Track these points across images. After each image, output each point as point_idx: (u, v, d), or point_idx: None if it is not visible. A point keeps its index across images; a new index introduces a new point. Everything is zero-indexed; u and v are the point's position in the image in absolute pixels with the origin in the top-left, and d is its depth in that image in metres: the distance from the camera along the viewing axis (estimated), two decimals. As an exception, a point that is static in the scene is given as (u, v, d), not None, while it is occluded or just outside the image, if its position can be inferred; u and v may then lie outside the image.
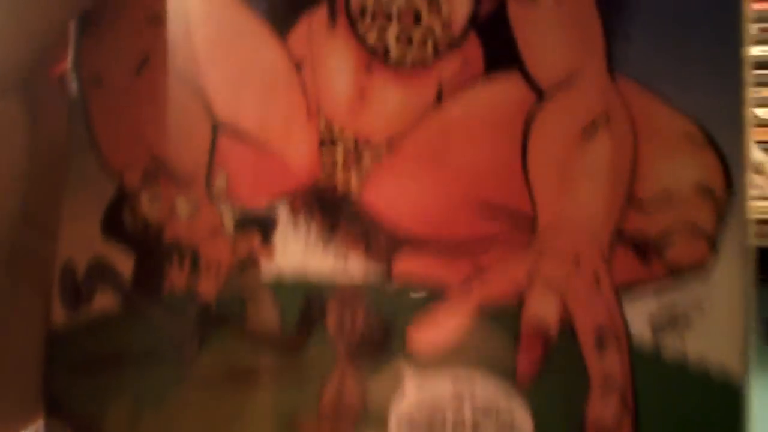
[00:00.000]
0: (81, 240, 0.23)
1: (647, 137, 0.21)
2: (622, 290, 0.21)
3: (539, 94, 0.21)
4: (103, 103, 0.23)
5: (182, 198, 0.22)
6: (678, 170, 0.20)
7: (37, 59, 0.23)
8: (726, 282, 0.20)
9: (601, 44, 0.21)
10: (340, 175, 0.22)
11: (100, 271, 0.23)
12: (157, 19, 0.23)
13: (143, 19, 0.23)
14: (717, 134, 0.20)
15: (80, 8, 0.23)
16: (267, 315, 0.21)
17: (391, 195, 0.21)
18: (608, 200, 0.20)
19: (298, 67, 0.22)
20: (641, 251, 0.20)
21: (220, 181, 0.22)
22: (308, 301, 0.21)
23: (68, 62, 0.24)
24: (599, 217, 0.21)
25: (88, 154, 0.23)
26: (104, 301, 0.23)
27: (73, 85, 0.24)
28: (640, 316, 0.20)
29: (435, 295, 0.21)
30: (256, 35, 0.22)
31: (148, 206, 0.22)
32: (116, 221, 0.23)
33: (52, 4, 0.22)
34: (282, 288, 0.22)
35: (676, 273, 0.20)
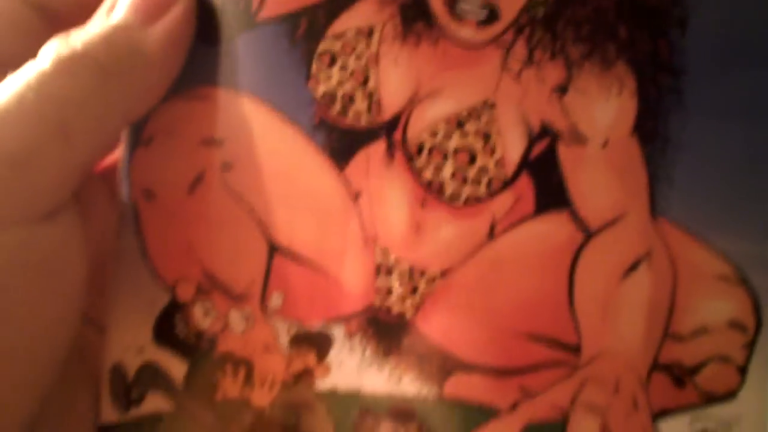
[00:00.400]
0: (131, 344, 0.24)
1: (686, 276, 0.22)
2: (658, 414, 0.22)
3: (587, 233, 0.22)
4: (155, 217, 0.24)
5: (236, 312, 0.23)
6: (714, 307, 0.22)
7: (88, 171, 0.23)
8: (753, 404, 0.22)
9: (646, 187, 0.23)
10: (395, 302, 0.22)
11: (152, 375, 0.24)
12: (212, 141, 0.23)
13: (198, 140, 0.24)
14: (749, 273, 0.22)
15: (129, 121, 0.24)
16: (321, 425, 0.22)
17: (444, 323, 0.22)
18: (648, 333, 0.22)
19: (355, 197, 0.23)
20: (677, 378, 0.22)
21: (275, 300, 0.23)
22: (362, 415, 0.22)
23: (119, 171, 0.24)
24: (639, 347, 0.22)
25: (139, 264, 0.24)
26: (155, 402, 0.24)
27: (124, 193, 0.24)
28: None
29: (485, 414, 0.22)
30: (314, 165, 0.23)
31: (201, 319, 0.23)
32: (168, 329, 0.24)
33: (103, 121, 0.22)
34: (336, 401, 0.23)
35: (709, 398, 0.22)
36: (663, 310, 0.22)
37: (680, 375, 0.22)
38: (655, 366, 0.22)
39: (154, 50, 0.23)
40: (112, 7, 0.24)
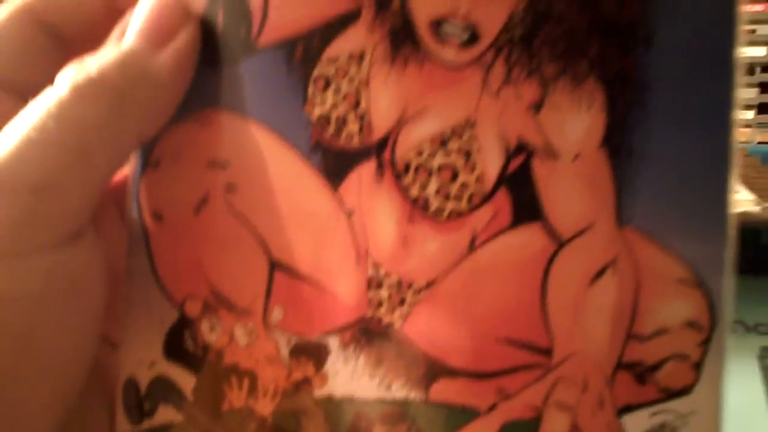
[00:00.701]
0: (144, 359, 0.26)
1: (648, 280, 0.24)
2: (622, 409, 0.25)
3: (558, 242, 0.24)
4: (164, 237, 0.26)
5: (240, 327, 0.25)
6: (672, 309, 0.24)
7: (104, 192, 0.25)
8: (707, 397, 0.24)
9: (612, 197, 0.24)
10: (385, 313, 0.25)
11: (163, 389, 0.26)
12: (216, 163, 0.25)
13: (203, 163, 0.25)
14: (705, 275, 0.24)
15: (141, 142, 0.25)
16: (319, 431, 0.25)
17: (430, 331, 0.25)
18: (613, 334, 0.24)
19: (348, 215, 0.25)
20: (639, 376, 0.24)
21: (276, 314, 0.25)
22: (356, 419, 0.24)
23: (128, 193, 0.26)
24: (605, 348, 0.25)
25: (149, 282, 0.26)
26: (166, 414, 0.26)
27: (134, 215, 0.26)
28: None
29: (467, 415, 0.25)
30: (310, 185, 0.25)
31: (208, 334, 0.25)
32: (178, 345, 0.26)
33: (119, 143, 0.24)
34: (333, 407, 0.25)
35: (667, 394, 0.24)
36: (627, 313, 0.24)
37: (642, 373, 0.24)
38: (620, 365, 0.24)
39: (163, 74, 0.25)
40: (122, 34, 0.26)
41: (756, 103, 2.06)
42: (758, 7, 2.01)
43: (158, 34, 0.25)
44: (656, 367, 0.24)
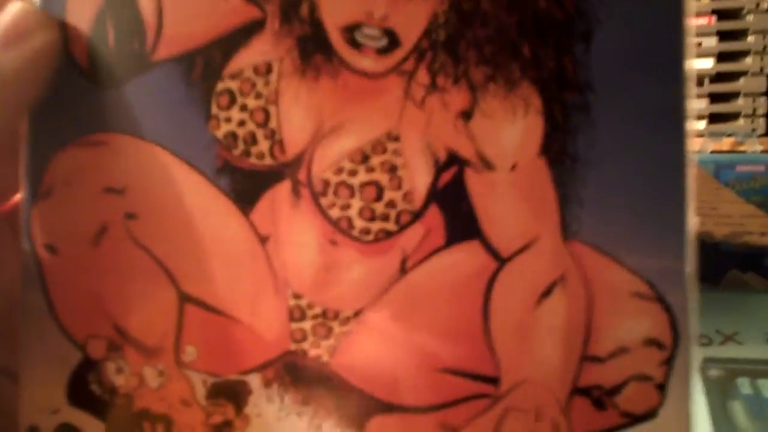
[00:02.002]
0: (45, 405, 0.23)
1: (602, 297, 0.21)
2: (581, 438, 0.21)
3: (499, 260, 0.21)
4: (60, 272, 0.23)
5: (150, 367, 0.22)
6: (630, 326, 0.21)
7: None
8: (674, 420, 0.21)
9: (556, 209, 0.21)
10: (310, 347, 0.21)
11: None
12: (113, 190, 0.22)
13: (98, 190, 0.22)
14: (664, 289, 0.21)
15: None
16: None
17: (361, 364, 0.21)
18: (566, 357, 0.21)
19: (263, 241, 0.21)
20: (597, 401, 0.21)
21: (189, 352, 0.22)
22: None
23: (19, 224, 0.22)
24: (558, 373, 0.21)
25: (47, 321, 0.22)
26: None
27: (26, 248, 0.22)
28: None
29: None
30: (219, 210, 0.22)
31: (115, 376, 0.22)
32: (82, 389, 0.22)
33: None
34: None
35: (630, 418, 0.21)
36: (579, 334, 0.21)
37: (600, 397, 0.21)
38: (575, 390, 0.21)
39: (6, 72, 0.21)
40: None
41: (707, 113, 2.06)
42: (702, 21, 2.02)
43: (6, 33, 0.22)
44: (616, 390, 0.21)
